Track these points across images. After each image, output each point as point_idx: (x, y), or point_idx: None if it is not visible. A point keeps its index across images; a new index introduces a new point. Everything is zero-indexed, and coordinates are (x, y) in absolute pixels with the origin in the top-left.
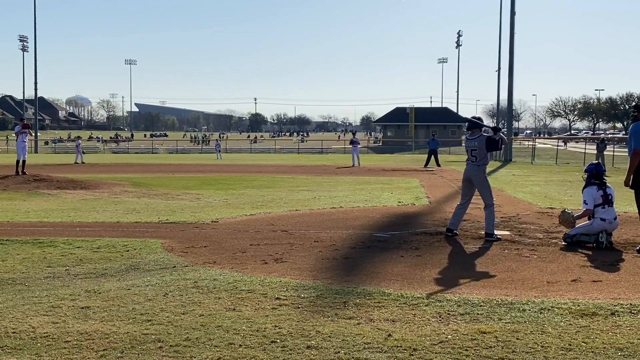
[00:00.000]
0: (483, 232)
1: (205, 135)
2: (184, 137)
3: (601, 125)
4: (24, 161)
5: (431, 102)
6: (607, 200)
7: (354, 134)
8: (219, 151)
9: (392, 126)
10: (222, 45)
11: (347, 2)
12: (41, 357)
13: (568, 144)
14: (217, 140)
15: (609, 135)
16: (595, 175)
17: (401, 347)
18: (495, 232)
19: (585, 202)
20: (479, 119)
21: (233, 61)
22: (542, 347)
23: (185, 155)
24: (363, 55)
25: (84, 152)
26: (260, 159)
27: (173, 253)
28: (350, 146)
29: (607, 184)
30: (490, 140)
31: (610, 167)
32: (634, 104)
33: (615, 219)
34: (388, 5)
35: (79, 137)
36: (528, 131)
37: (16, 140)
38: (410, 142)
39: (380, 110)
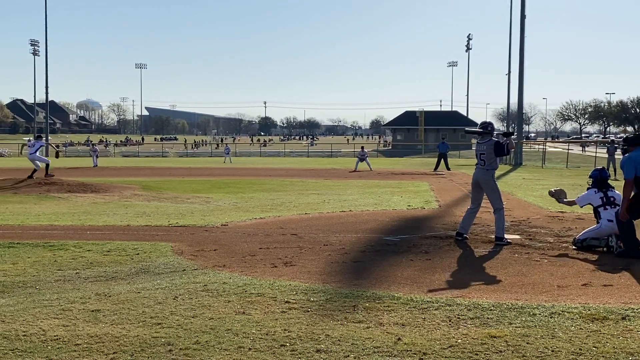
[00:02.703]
0: (493, 236)
1: (222, 140)
2: (193, 142)
3: (612, 129)
4: (35, 170)
5: (441, 105)
6: (609, 202)
7: (362, 147)
8: (228, 154)
9: (402, 130)
10: (232, 49)
11: (356, 6)
12: None
13: (587, 149)
14: (226, 144)
15: (620, 138)
16: (599, 180)
17: (411, 351)
18: (506, 236)
19: (578, 197)
20: (490, 124)
21: (243, 65)
22: (552, 351)
23: (195, 158)
24: (373, 59)
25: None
26: (269, 163)
27: (183, 256)
28: (359, 155)
29: (612, 188)
30: (498, 145)
31: (621, 171)
32: (623, 137)
33: None
34: (398, 9)
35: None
36: (532, 134)
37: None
38: (419, 146)
39: (390, 114)
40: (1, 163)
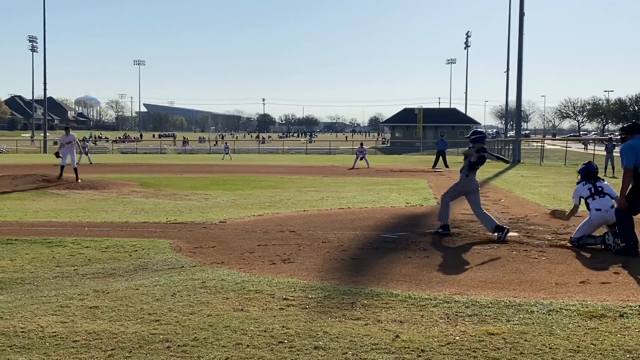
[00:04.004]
0: (490, 234)
1: (222, 137)
2: (183, 139)
3: (610, 126)
4: (62, 167)
5: (439, 103)
6: (597, 192)
7: (361, 144)
8: (228, 152)
9: (401, 127)
10: (230, 46)
11: (355, 3)
12: (49, 357)
13: (588, 146)
14: (226, 142)
15: (618, 136)
16: (586, 174)
17: (409, 348)
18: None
19: (572, 198)
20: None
21: (241, 62)
22: (550, 348)
23: (193, 155)
24: (371, 56)
25: (86, 153)
26: (268, 160)
27: (181, 253)
28: (357, 152)
29: (600, 179)
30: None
31: (619, 168)
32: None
33: (612, 207)
34: (396, 6)
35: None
36: (526, 131)
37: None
38: (418, 143)
39: (388, 111)
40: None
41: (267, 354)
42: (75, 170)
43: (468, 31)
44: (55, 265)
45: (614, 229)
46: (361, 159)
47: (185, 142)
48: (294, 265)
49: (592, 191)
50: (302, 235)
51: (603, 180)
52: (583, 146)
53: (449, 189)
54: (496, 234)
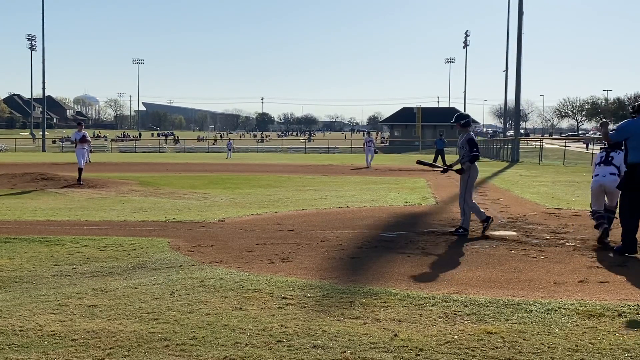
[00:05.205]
0: (490, 232)
1: (222, 136)
2: (173, 137)
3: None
4: (80, 169)
5: (438, 102)
6: (605, 161)
7: (369, 133)
8: (230, 150)
9: (399, 126)
10: (229, 45)
11: (354, 2)
12: (48, 355)
13: (590, 146)
14: (229, 139)
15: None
16: (615, 144)
17: (407, 347)
18: (503, 232)
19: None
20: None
21: (240, 60)
22: (548, 347)
23: (192, 154)
24: (370, 55)
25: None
26: (267, 159)
27: (180, 252)
28: (363, 146)
29: (618, 150)
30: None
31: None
32: (633, 104)
33: (612, 174)
34: (395, 5)
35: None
36: (523, 130)
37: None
38: (417, 142)
39: (387, 110)
40: None
41: (266, 353)
42: (80, 170)
43: (467, 30)
44: (53, 264)
45: (613, 204)
46: (375, 151)
47: (176, 140)
48: (292, 264)
49: (602, 159)
50: (300, 234)
51: (621, 151)
52: (584, 145)
53: (467, 190)
54: (482, 225)
